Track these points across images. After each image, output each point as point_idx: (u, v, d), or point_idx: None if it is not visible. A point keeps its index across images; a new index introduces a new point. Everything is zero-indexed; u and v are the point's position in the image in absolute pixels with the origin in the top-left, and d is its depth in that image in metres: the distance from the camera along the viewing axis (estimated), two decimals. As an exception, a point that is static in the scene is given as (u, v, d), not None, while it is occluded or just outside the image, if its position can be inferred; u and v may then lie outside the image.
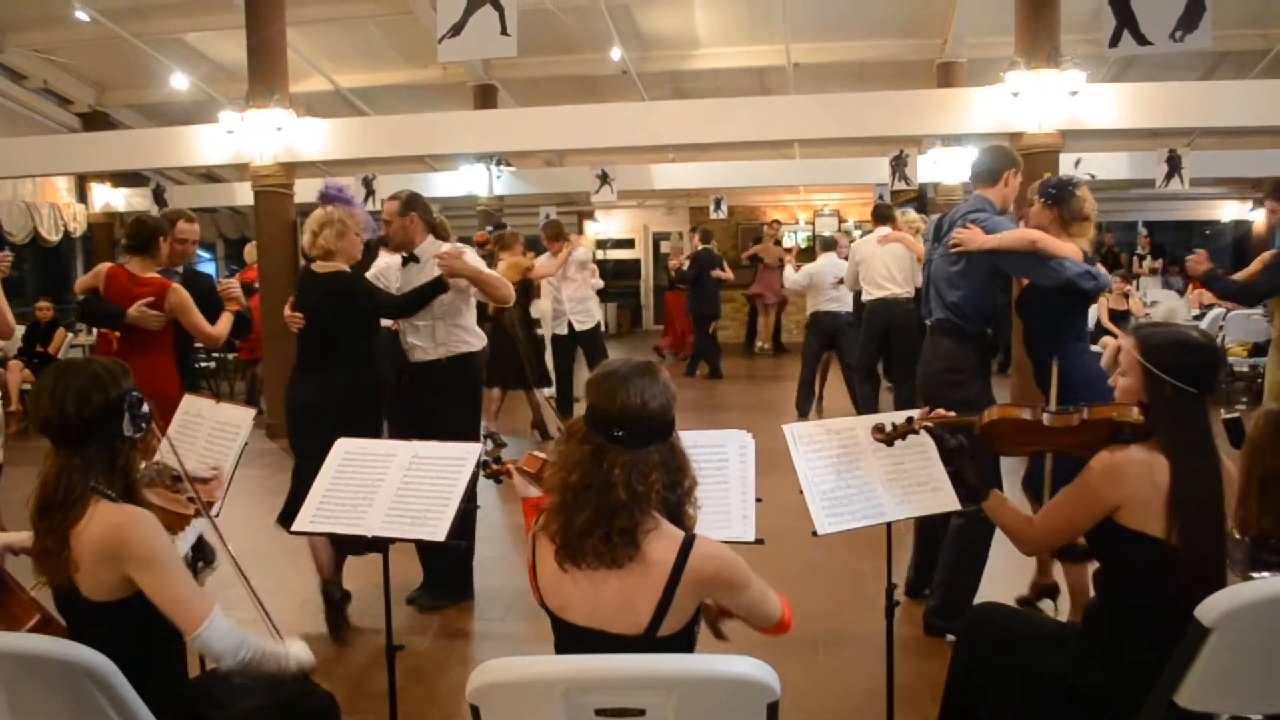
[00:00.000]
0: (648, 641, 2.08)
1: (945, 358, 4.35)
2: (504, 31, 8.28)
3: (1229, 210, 17.90)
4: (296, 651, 2.52)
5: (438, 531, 2.95)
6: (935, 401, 3.38)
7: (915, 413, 2.96)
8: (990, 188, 4.40)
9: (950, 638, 4.16)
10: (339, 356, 4.58)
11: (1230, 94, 9.36)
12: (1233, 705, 2.28)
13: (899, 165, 12.58)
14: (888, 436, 2.93)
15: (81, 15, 11.57)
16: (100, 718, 2.06)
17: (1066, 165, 9.15)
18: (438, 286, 4.65)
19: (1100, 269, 4.17)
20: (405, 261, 4.91)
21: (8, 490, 4.66)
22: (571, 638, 2.15)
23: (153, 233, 4.98)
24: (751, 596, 2.21)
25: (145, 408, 2.39)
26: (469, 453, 3.09)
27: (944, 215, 4.57)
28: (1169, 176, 11.97)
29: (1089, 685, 2.51)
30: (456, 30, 8.35)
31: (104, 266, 5.06)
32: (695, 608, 2.16)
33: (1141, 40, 7.89)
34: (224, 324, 5.11)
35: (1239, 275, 5.83)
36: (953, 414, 2.87)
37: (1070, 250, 4.02)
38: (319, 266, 4.59)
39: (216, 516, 2.95)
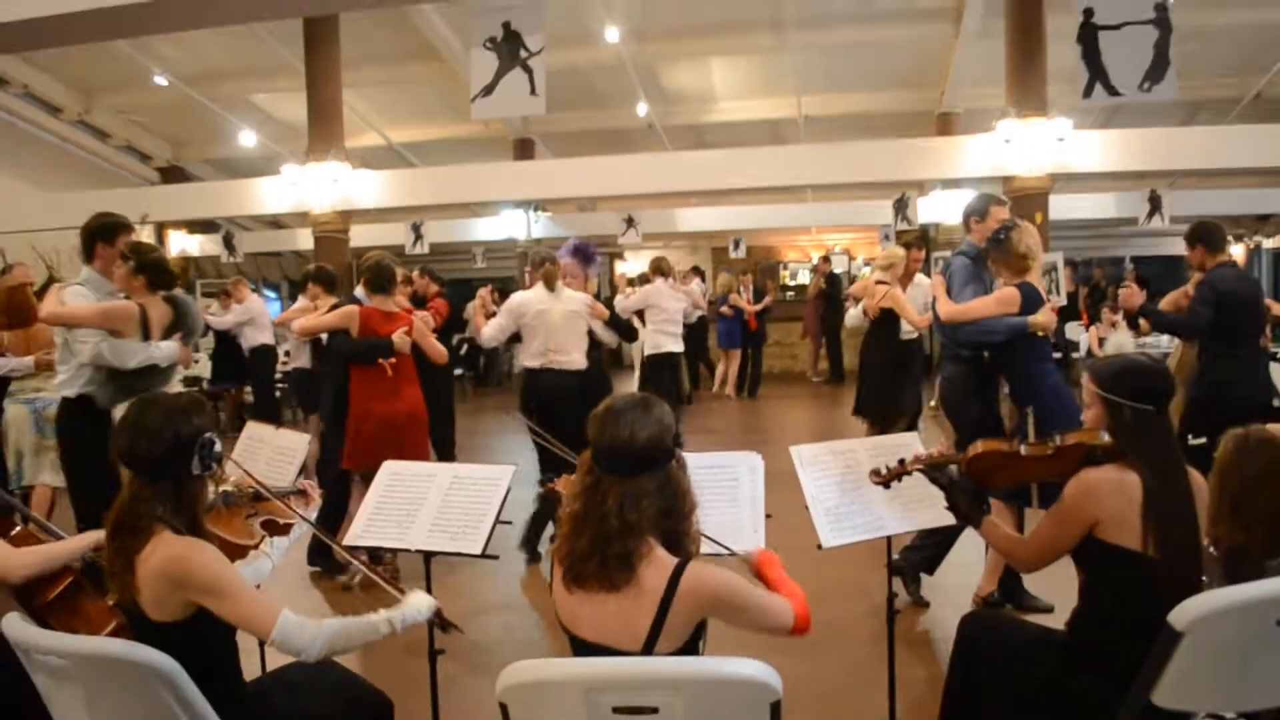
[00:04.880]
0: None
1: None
2: (533, 92, 8.41)
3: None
4: (414, 604, 2.49)
5: (474, 545, 2.97)
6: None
7: (907, 455, 2.98)
8: None
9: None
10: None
11: (1208, 139, 9.34)
12: (1206, 703, 2.26)
13: (901, 207, 12.59)
14: (884, 479, 2.94)
15: (160, 80, 11.86)
16: (169, 717, 2.08)
17: (1055, 205, 9.10)
18: None
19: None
20: None
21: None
22: (583, 651, 2.14)
23: (392, 275, 5.31)
24: (753, 615, 2.15)
25: (217, 448, 2.37)
26: (502, 474, 3.12)
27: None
28: (1150, 215, 11.93)
29: (1076, 687, 2.50)
30: (488, 91, 8.50)
31: (352, 309, 5.17)
32: (693, 629, 2.11)
33: (1112, 91, 7.92)
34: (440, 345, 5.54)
35: (1165, 305, 5.35)
36: (937, 454, 2.88)
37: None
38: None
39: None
